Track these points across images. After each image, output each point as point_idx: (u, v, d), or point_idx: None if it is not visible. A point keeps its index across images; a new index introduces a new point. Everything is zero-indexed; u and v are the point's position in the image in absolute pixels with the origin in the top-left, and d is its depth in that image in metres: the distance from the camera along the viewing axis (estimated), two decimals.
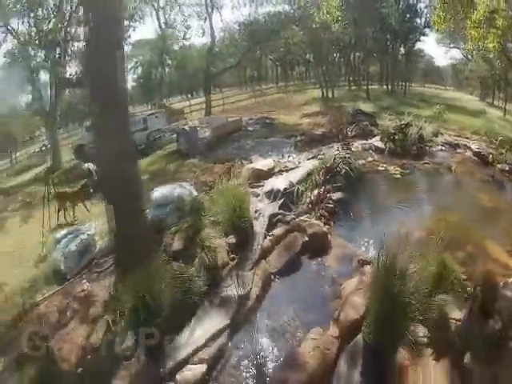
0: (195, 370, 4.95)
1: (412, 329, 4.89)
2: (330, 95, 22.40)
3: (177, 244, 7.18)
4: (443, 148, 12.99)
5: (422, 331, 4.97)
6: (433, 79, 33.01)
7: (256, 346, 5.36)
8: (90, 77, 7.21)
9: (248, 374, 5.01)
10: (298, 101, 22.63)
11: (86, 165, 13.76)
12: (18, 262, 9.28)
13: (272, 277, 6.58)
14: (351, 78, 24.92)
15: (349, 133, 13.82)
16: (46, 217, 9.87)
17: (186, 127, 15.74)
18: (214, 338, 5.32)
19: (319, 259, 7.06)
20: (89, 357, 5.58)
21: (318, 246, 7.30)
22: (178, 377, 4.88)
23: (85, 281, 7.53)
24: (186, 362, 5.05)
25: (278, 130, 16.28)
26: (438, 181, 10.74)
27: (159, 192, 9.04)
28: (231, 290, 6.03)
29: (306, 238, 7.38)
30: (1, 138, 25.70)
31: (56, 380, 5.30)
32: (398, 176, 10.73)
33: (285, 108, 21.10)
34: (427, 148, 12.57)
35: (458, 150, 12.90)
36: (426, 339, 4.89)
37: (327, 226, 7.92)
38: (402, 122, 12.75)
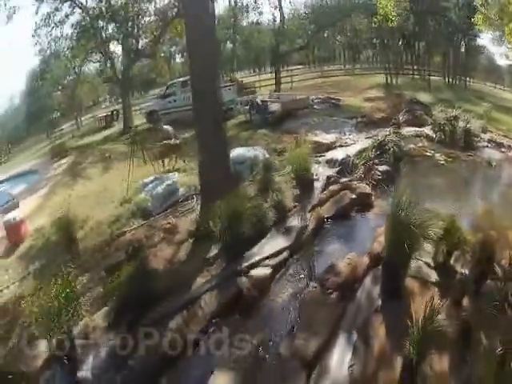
0: (263, 271, 7.02)
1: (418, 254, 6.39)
2: (393, 82, 23.21)
3: (252, 189, 9.21)
4: (488, 145, 13.74)
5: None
6: (493, 78, 32.58)
7: (308, 263, 7.35)
8: (190, 46, 9.02)
9: (300, 279, 7.04)
10: (362, 84, 23.46)
11: (166, 127, 15.60)
12: (103, 202, 11.33)
13: (324, 220, 8.47)
14: (415, 67, 25.44)
15: (401, 118, 14.84)
16: (127, 167, 11.87)
17: (257, 100, 17.35)
18: (278, 253, 7.36)
19: (363, 213, 8.85)
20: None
21: (363, 204, 9.05)
22: (251, 272, 6.99)
23: (170, 217, 9.53)
24: (256, 264, 7.12)
25: (341, 111, 17.51)
26: (477, 172, 11.69)
27: (237, 152, 11.10)
28: (293, 223, 8.05)
29: (354, 196, 9.15)
30: (68, 102, 28.26)
31: (146, 281, 6.78)
32: (443, 162, 11.76)
33: (350, 90, 22.08)
34: (473, 142, 13.37)
35: (502, 149, 13.63)
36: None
37: (372, 190, 9.66)
38: (451, 115, 13.60)
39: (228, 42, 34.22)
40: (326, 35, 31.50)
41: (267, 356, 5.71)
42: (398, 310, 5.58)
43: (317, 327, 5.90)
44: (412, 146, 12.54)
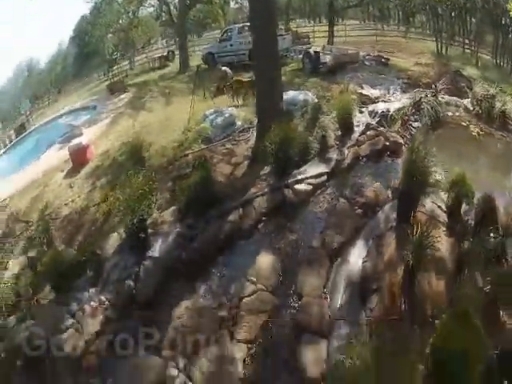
0: (305, 186, 8.76)
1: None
2: (443, 51, 23.31)
3: (301, 126, 10.75)
4: None
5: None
6: None
7: (342, 187, 8.95)
8: None
9: (334, 197, 8.70)
10: (414, 48, 23.56)
11: (223, 68, 16.89)
12: (166, 130, 12.86)
13: (360, 157, 9.97)
14: (466, 41, 25.27)
15: (444, 86, 15.13)
16: (186, 103, 13.33)
17: (311, 51, 18.28)
18: (318, 175, 9.05)
19: (393, 158, 10.22)
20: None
21: (394, 151, 10.27)
22: (294, 187, 8.73)
23: (228, 143, 11.22)
24: (300, 181, 8.84)
25: (389, 70, 17.92)
26: (506, 152, 11.68)
27: (290, 94, 12.58)
28: (333, 155, 9.67)
29: (387, 143, 10.50)
30: (122, 43, 29.60)
31: (209, 187, 8.58)
32: (475, 134, 11.87)
33: (401, 52, 22.40)
34: (508, 125, 13.09)
35: None
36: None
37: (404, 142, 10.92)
38: (489, 92, 13.71)
39: None
40: None
41: (301, 246, 7.50)
42: (408, 232, 6.81)
43: (342, 230, 7.64)
44: (449, 113, 12.96)
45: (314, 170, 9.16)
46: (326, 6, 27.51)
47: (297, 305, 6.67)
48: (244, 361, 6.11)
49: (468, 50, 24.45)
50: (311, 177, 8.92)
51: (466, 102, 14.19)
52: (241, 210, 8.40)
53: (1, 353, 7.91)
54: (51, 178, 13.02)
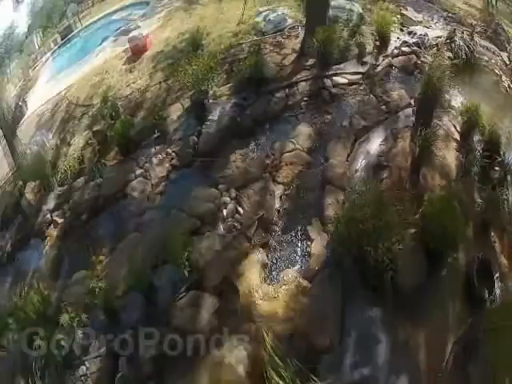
0: (342, 79, 10.08)
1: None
2: (493, 2, 22.77)
3: (344, 31, 11.86)
4: None
5: None
6: None
7: (373, 88, 10.27)
8: None
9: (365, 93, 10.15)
10: None
11: None
12: (221, 23, 13.56)
13: (392, 66, 11.02)
14: None
15: (483, 30, 14.49)
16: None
17: None
18: (354, 73, 10.25)
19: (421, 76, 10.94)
20: None
21: (422, 70, 11.08)
22: (333, 78, 10.17)
23: (278, 37, 12.31)
24: (339, 74, 10.26)
25: (437, 1, 18.00)
26: None
27: (337, 2, 13.14)
28: (368, 60, 10.85)
29: (419, 62, 11.25)
30: None
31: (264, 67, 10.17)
32: (505, 86, 11.65)
33: None
34: None
35: None
36: None
37: None
38: None
39: None
40: None
41: (334, 124, 9.17)
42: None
43: (367, 118, 9.18)
44: (485, 57, 12.66)
45: (351, 68, 10.45)
46: None
47: (324, 164, 8.43)
48: (280, 198, 8.03)
49: None
50: (348, 73, 10.27)
51: (504, 55, 13.82)
52: (287, 90, 9.99)
53: (67, 211, 9.60)
54: (109, 67, 13.60)
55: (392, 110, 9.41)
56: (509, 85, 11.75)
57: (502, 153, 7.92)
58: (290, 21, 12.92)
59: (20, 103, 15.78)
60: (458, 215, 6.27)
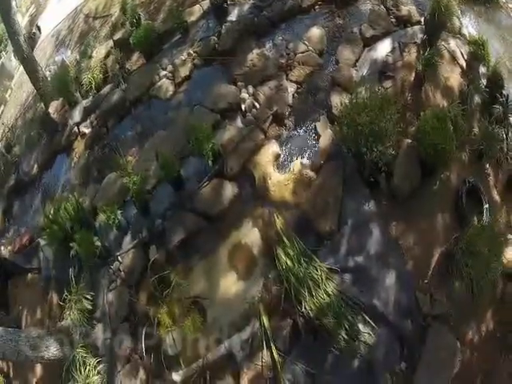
0: None
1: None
2: None
3: None
4: None
5: None
6: None
7: None
8: None
9: (376, 4, 10.50)
10: None
11: None
12: None
13: None
14: None
15: None
16: None
17: None
18: None
19: None
20: None
21: None
22: None
23: None
24: None
25: None
26: None
27: None
28: None
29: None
30: None
31: None
32: None
33: None
34: None
35: None
36: None
37: None
38: None
39: None
40: None
41: (345, 29, 9.68)
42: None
43: (377, 27, 9.48)
44: None
45: None
46: None
47: (334, 67, 9.00)
48: (293, 95, 8.75)
49: None
50: None
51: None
52: None
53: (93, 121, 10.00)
54: None
55: (401, 23, 9.66)
56: None
57: (504, 92, 7.92)
58: None
59: (34, 30, 15.85)
60: (450, 137, 6.43)
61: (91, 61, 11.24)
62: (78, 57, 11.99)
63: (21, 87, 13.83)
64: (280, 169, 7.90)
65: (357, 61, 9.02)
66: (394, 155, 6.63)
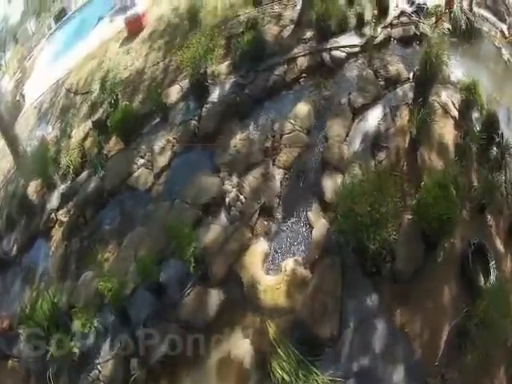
0: (340, 53, 9.85)
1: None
2: None
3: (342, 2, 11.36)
4: None
5: None
6: None
7: (371, 60, 9.98)
8: None
9: (363, 67, 9.87)
10: None
11: None
12: None
13: (391, 38, 10.55)
14: None
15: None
16: None
17: None
18: (352, 46, 9.98)
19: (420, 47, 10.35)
20: None
21: (422, 40, 10.39)
22: (332, 52, 9.85)
23: (276, 7, 11.84)
24: (337, 48, 9.96)
25: None
26: None
27: None
28: (367, 31, 10.48)
29: (418, 33, 10.71)
30: None
31: (263, 42, 9.95)
32: (505, 59, 11.30)
33: None
34: None
35: None
36: None
37: None
38: None
39: None
40: None
41: (332, 101, 8.99)
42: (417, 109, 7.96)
43: (366, 95, 8.94)
44: (485, 28, 12.33)
45: (349, 40, 10.14)
46: None
47: (323, 145, 8.29)
48: (281, 182, 7.96)
49: None
50: (346, 46, 9.95)
51: (504, 27, 13.35)
52: (285, 66, 9.76)
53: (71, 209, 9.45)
54: (107, 48, 13.40)
55: (390, 85, 9.23)
56: (508, 58, 11.49)
57: (499, 132, 7.89)
58: None
59: (18, 97, 15.60)
60: (454, 203, 6.19)
61: (70, 141, 10.85)
62: (58, 134, 11.64)
63: (4, 157, 13.10)
64: (270, 269, 7.06)
65: (347, 135, 8.38)
66: (396, 239, 6.23)
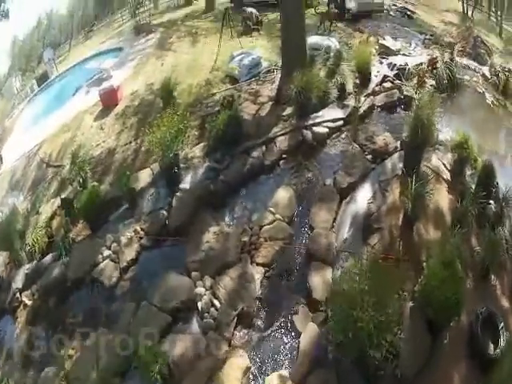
0: (322, 129, 9.38)
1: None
2: (469, 14, 22.54)
3: (322, 72, 11.03)
4: None
5: None
6: None
7: (355, 133, 9.51)
8: None
9: (348, 142, 9.32)
10: (441, 5, 22.91)
11: (249, 9, 16.50)
12: (194, 70, 13.05)
13: (375, 107, 10.39)
14: (492, 9, 24.40)
15: (464, 48, 14.55)
16: (213, 42, 13.56)
17: None
18: (335, 120, 9.64)
19: (406, 112, 10.20)
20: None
21: (407, 104, 10.46)
22: (313, 129, 9.34)
23: (253, 84, 11.67)
24: (318, 124, 9.47)
25: (414, 23, 17.52)
26: None
27: (314, 39, 12.76)
28: (350, 102, 10.17)
29: (402, 96, 10.76)
30: None
31: (239, 122, 9.39)
32: (490, 103, 11.69)
33: (428, 7, 21.66)
34: None
35: None
36: None
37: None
38: (508, 67, 13.41)
39: None
40: None
41: (316, 183, 8.32)
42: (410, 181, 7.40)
43: (352, 172, 8.36)
44: (466, 77, 12.56)
45: (331, 114, 9.75)
46: None
47: (308, 235, 7.51)
48: (261, 282, 7.06)
49: (493, 19, 23.62)
50: (329, 121, 9.52)
51: (485, 69, 13.83)
52: (264, 147, 9.18)
53: (35, 293, 8.81)
54: (81, 121, 13.12)
55: (378, 158, 8.77)
56: (492, 101, 11.72)
57: (495, 182, 7.65)
58: (265, 64, 12.36)
59: None
60: (461, 279, 5.81)
61: (38, 217, 10.32)
62: (28, 207, 11.12)
63: None
64: None
65: (335, 219, 7.67)
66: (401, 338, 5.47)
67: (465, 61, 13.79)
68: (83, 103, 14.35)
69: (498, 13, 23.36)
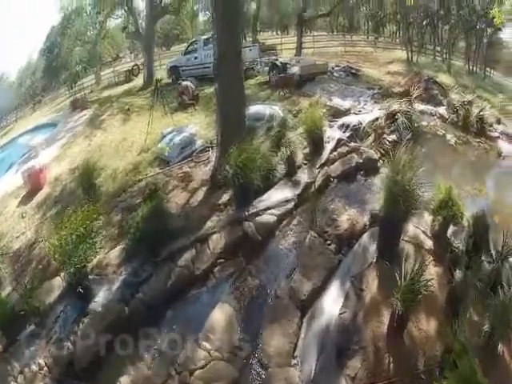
0: (268, 218, 7.52)
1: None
2: (414, 59, 22.95)
3: (266, 144, 9.41)
4: (500, 136, 13.15)
5: None
6: None
7: (311, 215, 7.78)
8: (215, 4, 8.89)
9: (302, 229, 7.49)
10: (384, 58, 23.11)
11: (185, 82, 15.74)
12: (122, 152, 11.77)
13: (331, 178, 8.86)
14: (437, 49, 25.17)
15: (417, 94, 14.16)
16: (145, 120, 12.29)
17: (278, 62, 17.44)
18: (284, 203, 7.82)
19: (367, 177, 9.13)
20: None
21: (369, 168, 9.35)
22: (256, 219, 7.46)
23: (185, 166, 10.03)
24: (263, 212, 7.61)
25: (360, 80, 17.28)
26: (484, 159, 11.48)
27: (255, 108, 11.42)
28: (301, 177, 8.46)
29: (361, 160, 9.48)
30: (89, 56, 27.57)
31: (164, 217, 7.54)
32: (452, 144, 11.60)
33: (371, 62, 21.89)
34: (485, 130, 12.92)
35: None
36: None
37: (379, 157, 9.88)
38: (466, 99, 13.44)
39: (252, 3, 33.66)
40: (350, 4, 31.24)
41: (265, 295, 6.27)
42: (391, 268, 6.02)
43: (313, 273, 6.50)
44: (424, 122, 12.38)
45: (279, 196, 8.06)
46: (294, 17, 26.77)
47: (260, 378, 5.42)
48: None
49: (439, 58, 24.19)
50: (276, 205, 7.79)
51: (441, 110, 13.87)
52: (194, 250, 7.14)
53: None
54: (6, 206, 11.70)
55: (344, 246, 7.13)
56: (455, 141, 11.67)
57: (489, 237, 6.76)
58: (199, 142, 10.87)
59: None
60: None
61: None
62: None
63: None
64: None
65: (295, 347, 5.69)
66: None
67: (421, 106, 13.64)
68: (11, 184, 12.83)
69: (444, 50, 23.77)
